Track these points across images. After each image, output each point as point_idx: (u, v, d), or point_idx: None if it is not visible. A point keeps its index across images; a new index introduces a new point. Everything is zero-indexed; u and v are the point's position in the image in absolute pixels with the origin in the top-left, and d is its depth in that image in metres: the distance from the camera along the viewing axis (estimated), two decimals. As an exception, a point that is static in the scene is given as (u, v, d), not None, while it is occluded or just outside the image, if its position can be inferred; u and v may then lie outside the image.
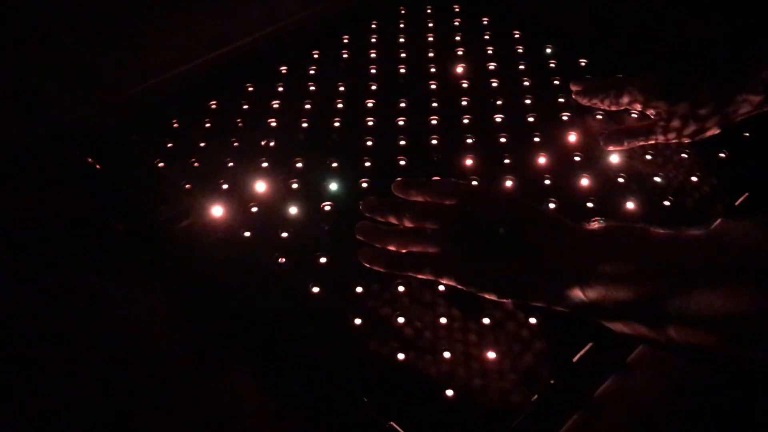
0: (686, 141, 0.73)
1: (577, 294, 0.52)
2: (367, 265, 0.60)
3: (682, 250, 0.49)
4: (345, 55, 0.89)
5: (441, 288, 0.60)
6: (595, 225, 0.55)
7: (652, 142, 0.74)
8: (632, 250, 0.51)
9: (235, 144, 0.76)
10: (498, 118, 0.79)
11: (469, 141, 0.76)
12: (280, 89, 0.83)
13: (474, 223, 0.58)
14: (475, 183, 0.70)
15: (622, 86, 0.76)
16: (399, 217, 0.62)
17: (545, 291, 0.54)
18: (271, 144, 0.76)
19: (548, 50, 0.88)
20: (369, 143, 0.76)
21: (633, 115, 0.77)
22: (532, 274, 0.54)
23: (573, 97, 0.80)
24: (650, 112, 0.74)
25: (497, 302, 0.58)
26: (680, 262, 0.48)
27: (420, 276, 0.58)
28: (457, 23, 0.94)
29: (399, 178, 0.66)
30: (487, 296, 0.56)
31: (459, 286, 0.57)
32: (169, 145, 0.76)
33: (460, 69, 0.86)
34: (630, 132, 0.74)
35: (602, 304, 0.51)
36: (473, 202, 0.59)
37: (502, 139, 0.76)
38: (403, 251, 0.60)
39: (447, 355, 0.56)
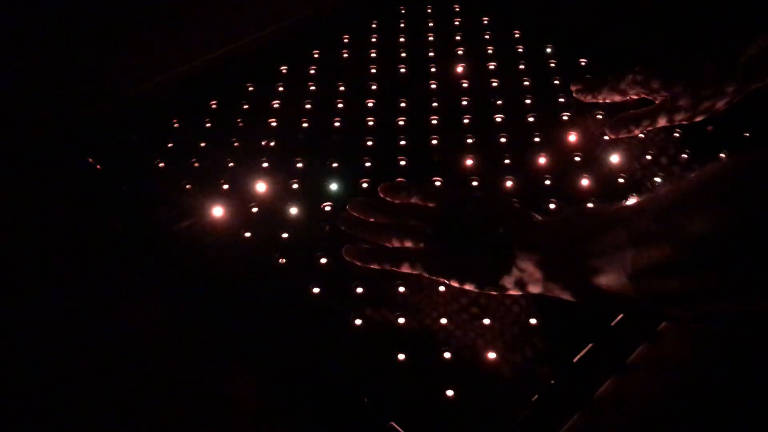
0: (692, 122, 0.73)
1: (548, 282, 0.53)
2: (350, 260, 0.61)
3: (636, 211, 0.50)
4: (345, 55, 0.89)
5: (441, 288, 0.60)
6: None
7: (659, 125, 0.74)
8: (594, 233, 0.51)
9: (236, 144, 0.76)
10: (498, 118, 0.79)
11: (469, 141, 0.76)
12: (281, 89, 0.83)
13: (453, 221, 0.60)
14: (456, 187, 0.70)
15: (622, 76, 0.76)
16: (384, 215, 0.64)
17: (518, 280, 0.55)
18: (272, 144, 0.76)
19: (548, 50, 0.88)
20: (369, 143, 0.76)
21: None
22: (503, 265, 0.55)
23: (574, 95, 0.80)
24: (653, 97, 0.74)
25: (493, 300, 0.58)
26: (636, 223, 0.49)
27: (399, 269, 0.59)
28: (457, 23, 0.94)
29: (383, 183, 0.67)
30: (464, 287, 0.57)
31: (436, 278, 0.58)
32: (169, 145, 0.76)
33: (460, 69, 0.86)
34: (635, 117, 0.74)
35: (574, 286, 0.52)
36: (454, 204, 0.61)
37: (502, 139, 0.76)
38: (386, 246, 0.61)
39: (447, 355, 0.56)
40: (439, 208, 0.62)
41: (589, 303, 0.52)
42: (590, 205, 0.68)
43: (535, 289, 0.55)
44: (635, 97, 0.76)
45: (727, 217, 0.44)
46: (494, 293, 0.57)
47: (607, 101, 0.78)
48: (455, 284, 0.57)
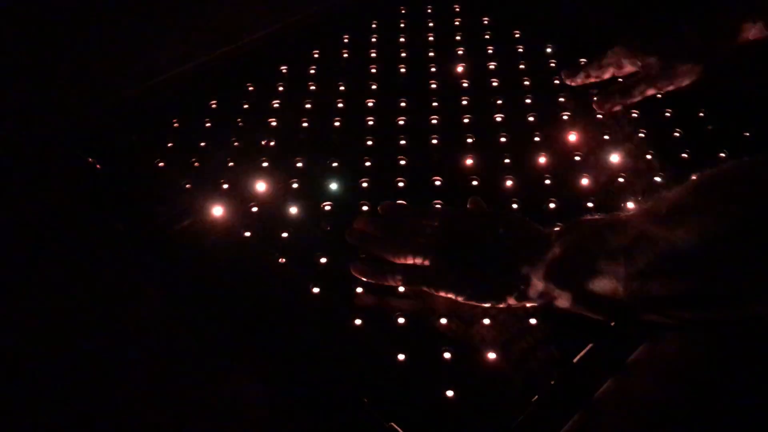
0: (677, 88, 0.76)
1: (549, 291, 0.54)
2: (360, 277, 0.61)
3: (629, 219, 0.51)
4: (345, 55, 0.89)
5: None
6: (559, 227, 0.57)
7: (641, 95, 0.76)
8: (590, 241, 0.52)
9: (236, 144, 0.76)
10: (498, 118, 0.79)
11: (469, 141, 0.76)
12: (281, 89, 0.83)
13: (458, 237, 0.60)
14: (458, 207, 0.69)
15: (603, 54, 0.79)
16: (390, 231, 0.64)
17: (520, 293, 0.55)
18: (272, 144, 0.76)
19: (548, 50, 0.88)
20: (369, 143, 0.76)
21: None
22: (506, 280, 0.56)
23: (564, 81, 0.82)
24: (636, 67, 0.78)
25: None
26: (628, 230, 0.50)
27: (404, 285, 0.59)
28: (457, 23, 0.94)
29: (384, 203, 0.67)
30: (468, 302, 0.57)
31: (438, 294, 0.58)
32: (169, 145, 0.76)
33: (460, 69, 0.86)
34: (622, 90, 0.77)
35: (571, 294, 0.53)
36: (458, 221, 0.62)
37: (502, 139, 0.76)
38: (393, 261, 0.61)
39: (447, 355, 0.56)
40: (445, 224, 0.62)
41: (586, 311, 0.53)
42: (590, 205, 0.68)
43: (535, 300, 0.55)
44: (617, 70, 0.79)
45: (706, 226, 0.44)
46: (499, 306, 0.57)
47: (593, 80, 0.80)
48: (460, 299, 0.57)
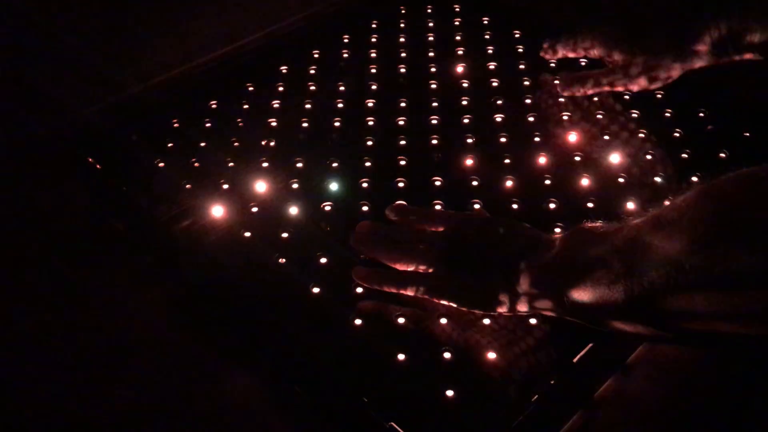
0: (645, 89, 0.77)
1: (541, 298, 0.54)
2: (358, 281, 0.61)
3: (640, 232, 0.50)
4: (345, 55, 0.89)
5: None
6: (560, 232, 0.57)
7: (615, 89, 0.78)
8: (591, 249, 0.52)
9: (236, 144, 0.76)
10: (498, 118, 0.79)
11: (469, 141, 0.76)
12: (280, 89, 0.83)
13: (461, 244, 0.60)
14: (465, 212, 0.68)
15: (584, 35, 0.81)
16: (393, 238, 0.63)
17: (517, 300, 0.55)
18: (271, 144, 0.76)
19: (548, 50, 0.88)
20: (369, 143, 0.76)
21: None
22: (506, 289, 0.55)
23: (541, 54, 0.85)
24: (609, 60, 0.79)
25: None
26: (617, 238, 0.50)
27: (405, 292, 0.59)
28: (457, 23, 0.94)
29: (393, 203, 0.67)
30: (467, 309, 0.57)
31: (438, 301, 0.58)
32: (169, 145, 0.76)
33: (460, 69, 0.86)
34: (588, 78, 0.78)
35: (577, 305, 0.52)
36: (461, 227, 0.61)
37: (502, 139, 0.76)
38: (397, 268, 0.61)
39: (447, 355, 0.56)
40: (448, 231, 0.61)
41: (576, 318, 0.53)
42: (590, 205, 0.68)
43: (529, 308, 0.55)
44: (589, 55, 0.82)
45: (703, 236, 0.44)
46: (500, 312, 0.57)
47: (560, 57, 0.84)
48: (460, 307, 0.57)
